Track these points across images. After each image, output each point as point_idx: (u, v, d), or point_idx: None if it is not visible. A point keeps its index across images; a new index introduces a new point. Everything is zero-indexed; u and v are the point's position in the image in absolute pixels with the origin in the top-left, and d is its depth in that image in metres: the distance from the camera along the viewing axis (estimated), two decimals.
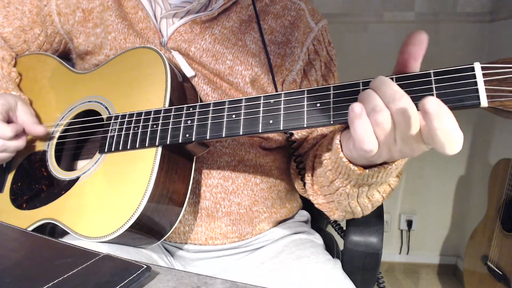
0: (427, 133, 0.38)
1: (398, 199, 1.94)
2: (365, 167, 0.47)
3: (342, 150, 0.48)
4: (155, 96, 0.59)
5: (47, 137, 0.68)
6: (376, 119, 0.39)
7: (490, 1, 1.69)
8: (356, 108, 0.40)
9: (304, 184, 0.67)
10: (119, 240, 0.56)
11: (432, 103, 0.35)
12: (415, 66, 0.42)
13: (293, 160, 0.71)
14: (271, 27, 0.69)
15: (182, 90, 0.62)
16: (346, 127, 0.48)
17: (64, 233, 0.60)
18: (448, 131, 0.35)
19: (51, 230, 0.63)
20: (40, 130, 0.65)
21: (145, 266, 0.39)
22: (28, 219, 0.62)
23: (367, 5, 1.74)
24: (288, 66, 0.68)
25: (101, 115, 0.64)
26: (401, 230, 1.97)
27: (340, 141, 0.48)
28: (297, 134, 0.71)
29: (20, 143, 0.64)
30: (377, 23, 1.75)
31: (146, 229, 0.57)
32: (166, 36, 0.68)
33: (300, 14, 0.70)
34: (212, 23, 0.68)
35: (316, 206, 0.65)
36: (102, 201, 0.57)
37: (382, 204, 0.69)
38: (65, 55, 0.83)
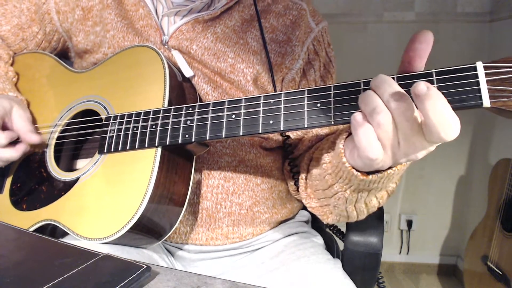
0: (425, 126, 0.37)
1: (398, 199, 1.94)
2: (368, 172, 0.47)
3: (345, 155, 0.48)
4: (154, 96, 0.59)
5: (46, 138, 0.68)
6: (378, 120, 0.39)
7: (490, 1, 1.69)
8: (358, 116, 0.40)
9: (298, 187, 0.67)
10: (120, 241, 0.55)
11: (421, 85, 0.35)
12: (420, 65, 0.42)
13: (287, 162, 0.71)
14: (272, 26, 0.69)
15: (181, 89, 0.62)
16: (350, 133, 0.48)
17: (65, 234, 0.60)
18: (440, 112, 0.35)
19: (52, 231, 0.63)
20: (35, 139, 0.63)
21: (145, 266, 0.39)
22: (28, 220, 0.62)
23: (367, 5, 1.74)
24: (288, 64, 0.68)
25: (99, 115, 0.64)
26: (401, 230, 1.97)
27: (343, 146, 0.48)
28: (292, 135, 0.70)
29: (14, 154, 0.62)
30: (377, 23, 1.74)
31: (147, 229, 0.56)
32: (168, 34, 0.68)
33: (301, 13, 0.70)
34: (214, 22, 0.68)
35: (309, 209, 0.66)
36: (102, 202, 0.57)
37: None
38: (64, 54, 0.83)
